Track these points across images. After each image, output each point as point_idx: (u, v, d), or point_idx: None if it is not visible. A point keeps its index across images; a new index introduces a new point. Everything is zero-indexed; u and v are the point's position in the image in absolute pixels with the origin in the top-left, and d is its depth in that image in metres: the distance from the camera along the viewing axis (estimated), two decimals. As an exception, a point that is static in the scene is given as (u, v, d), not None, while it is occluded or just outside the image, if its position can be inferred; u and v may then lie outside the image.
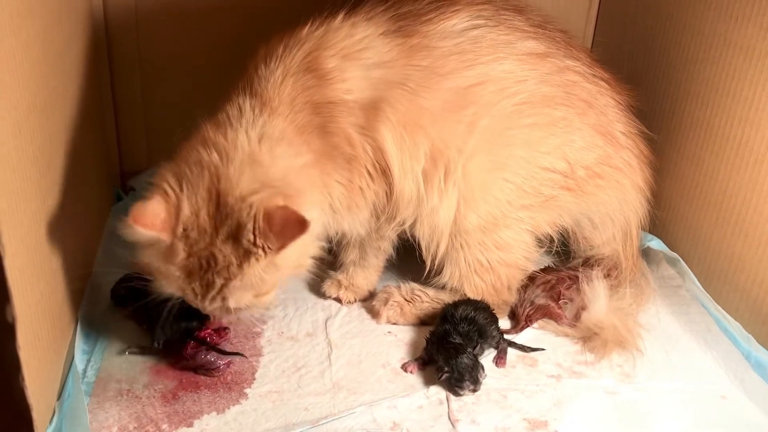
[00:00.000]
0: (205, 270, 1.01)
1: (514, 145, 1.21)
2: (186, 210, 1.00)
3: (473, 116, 1.18)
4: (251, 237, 0.99)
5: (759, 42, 1.16)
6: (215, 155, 1.03)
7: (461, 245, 1.23)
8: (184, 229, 1.00)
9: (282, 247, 0.99)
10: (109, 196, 1.55)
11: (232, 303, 1.04)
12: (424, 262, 1.27)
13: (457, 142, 1.17)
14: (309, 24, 1.16)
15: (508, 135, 1.20)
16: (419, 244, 1.25)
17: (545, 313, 1.30)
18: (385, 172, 1.17)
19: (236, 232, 1.00)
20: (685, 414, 1.11)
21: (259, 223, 0.98)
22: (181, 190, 1.01)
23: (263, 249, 1.00)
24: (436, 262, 1.27)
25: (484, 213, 1.21)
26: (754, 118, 1.19)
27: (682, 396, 1.15)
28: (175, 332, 1.15)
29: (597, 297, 1.26)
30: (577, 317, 1.28)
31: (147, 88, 1.59)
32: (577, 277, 1.31)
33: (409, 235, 1.26)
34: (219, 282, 1.01)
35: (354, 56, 1.13)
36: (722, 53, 1.25)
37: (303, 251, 1.08)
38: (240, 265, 1.00)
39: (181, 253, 1.00)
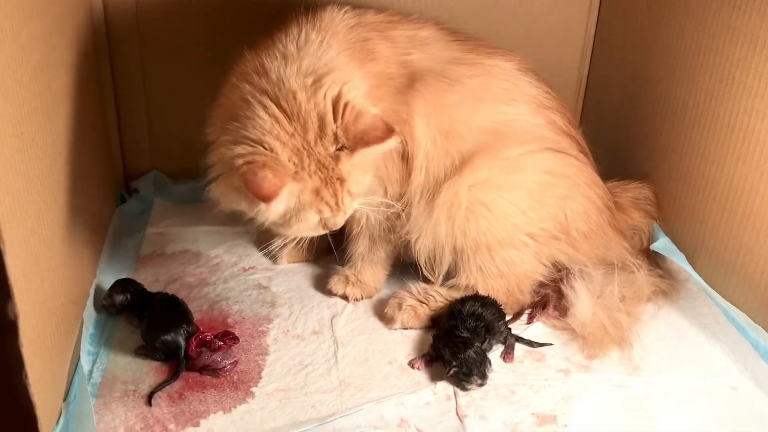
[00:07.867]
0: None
1: (523, 188, 1.26)
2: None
3: (498, 149, 1.23)
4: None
5: (763, 30, 1.15)
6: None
7: (469, 256, 1.26)
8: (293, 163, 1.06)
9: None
10: (112, 198, 1.55)
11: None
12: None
13: (484, 169, 1.22)
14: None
15: (517, 178, 1.26)
16: (419, 261, 1.28)
17: (543, 302, 1.31)
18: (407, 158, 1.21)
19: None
20: (695, 406, 1.11)
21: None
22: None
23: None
24: (441, 274, 1.29)
25: (491, 231, 1.24)
26: (759, 108, 1.17)
27: (692, 388, 1.14)
28: (170, 345, 1.16)
29: (579, 299, 1.25)
30: (563, 314, 1.27)
31: (149, 89, 1.59)
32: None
33: (414, 252, 1.27)
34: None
35: (414, 44, 1.22)
36: (726, 42, 1.23)
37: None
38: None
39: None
